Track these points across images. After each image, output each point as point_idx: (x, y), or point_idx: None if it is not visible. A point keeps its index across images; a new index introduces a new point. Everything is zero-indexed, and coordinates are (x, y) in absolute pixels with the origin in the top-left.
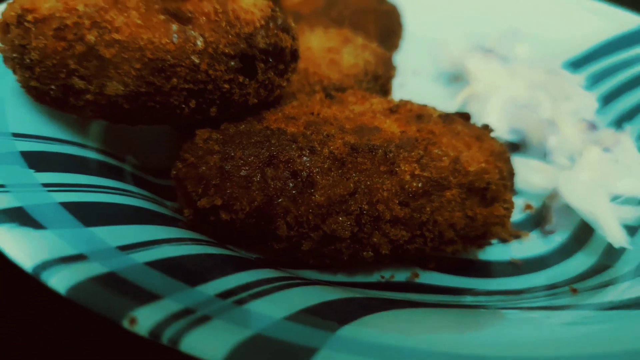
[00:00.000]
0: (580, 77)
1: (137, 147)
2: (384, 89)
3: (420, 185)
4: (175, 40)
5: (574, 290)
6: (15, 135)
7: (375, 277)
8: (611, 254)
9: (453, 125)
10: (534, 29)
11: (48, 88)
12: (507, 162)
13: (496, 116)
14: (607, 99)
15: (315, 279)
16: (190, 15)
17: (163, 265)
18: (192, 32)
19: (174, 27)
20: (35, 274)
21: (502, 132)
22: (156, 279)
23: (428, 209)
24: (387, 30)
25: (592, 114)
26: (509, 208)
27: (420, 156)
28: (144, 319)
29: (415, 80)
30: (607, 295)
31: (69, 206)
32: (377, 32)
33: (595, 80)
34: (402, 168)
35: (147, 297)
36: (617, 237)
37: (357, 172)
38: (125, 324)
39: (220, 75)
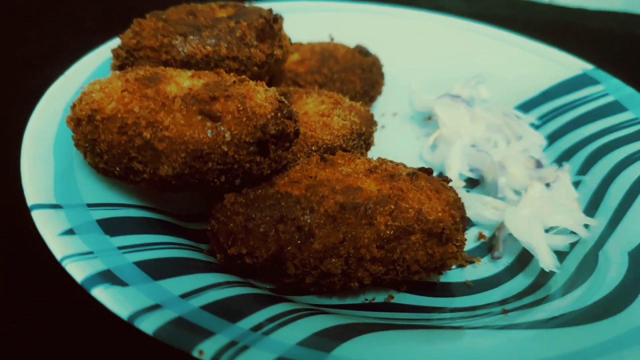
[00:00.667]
0: (531, 117)
1: (172, 201)
2: (367, 142)
3: (392, 232)
4: (209, 134)
5: (505, 312)
6: (89, 205)
7: (360, 299)
8: (545, 275)
9: (418, 181)
10: (495, 73)
11: (114, 169)
12: (460, 208)
13: (459, 157)
14: (552, 138)
15: (316, 303)
16: (219, 114)
17: (212, 308)
18: (222, 127)
19: (208, 124)
20: (130, 321)
21: (463, 170)
22: (209, 319)
23: (398, 250)
24: (371, 82)
25: (540, 151)
26: (460, 245)
27: (392, 210)
28: (207, 350)
29: (395, 121)
30: (538, 312)
31: (140, 265)
32: (362, 85)
33: (544, 120)
34: (378, 220)
35: (206, 333)
36: (547, 262)
37: (345, 225)
38: (196, 354)
39: (243, 158)
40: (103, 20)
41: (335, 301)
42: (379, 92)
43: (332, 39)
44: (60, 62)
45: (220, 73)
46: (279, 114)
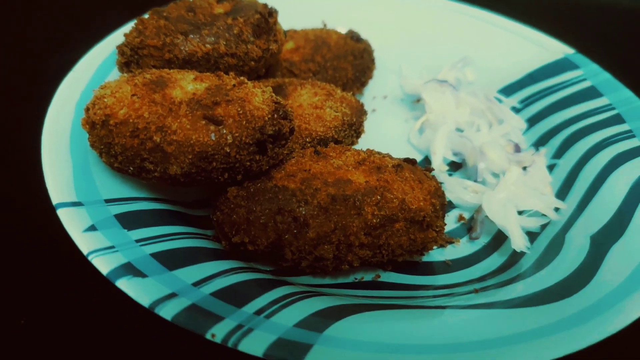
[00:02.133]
0: (514, 100)
1: (179, 191)
2: (358, 131)
3: (378, 221)
4: (213, 137)
5: (476, 291)
6: (107, 201)
7: (350, 279)
8: (516, 254)
9: (402, 172)
10: (481, 56)
11: (127, 168)
12: (441, 197)
13: (443, 143)
14: (532, 121)
15: (311, 283)
16: (221, 118)
17: (221, 294)
18: (224, 130)
19: (212, 128)
20: (151, 309)
21: (447, 154)
22: (219, 305)
23: (384, 236)
24: (362, 67)
25: (520, 135)
26: (440, 230)
27: (378, 200)
28: (218, 334)
29: (385, 104)
30: (504, 292)
31: (156, 256)
32: (353, 72)
33: (526, 104)
34: (366, 210)
35: (217, 318)
36: (519, 243)
37: (336, 215)
38: (209, 336)
39: (243, 157)
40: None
41: (328, 281)
42: (370, 77)
43: (325, 25)
44: (69, 47)
45: (221, 76)
46: (275, 115)
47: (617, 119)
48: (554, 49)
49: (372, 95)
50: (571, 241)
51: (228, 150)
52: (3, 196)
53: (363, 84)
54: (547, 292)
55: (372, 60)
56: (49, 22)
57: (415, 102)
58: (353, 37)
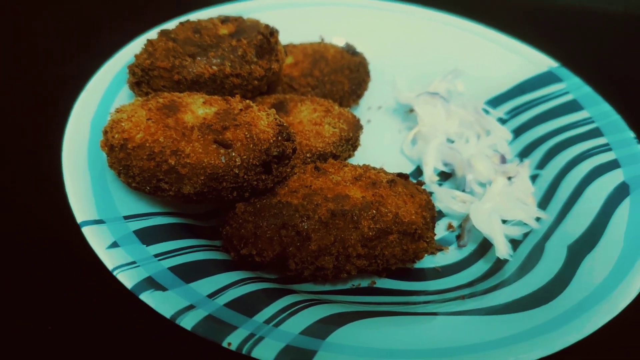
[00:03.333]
0: (500, 112)
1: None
2: (354, 145)
3: (373, 233)
4: (223, 160)
5: (463, 297)
6: (125, 217)
7: (349, 285)
8: (501, 261)
9: (396, 187)
10: (471, 68)
11: (144, 188)
12: (431, 209)
13: (434, 155)
14: (518, 132)
15: (313, 290)
16: (230, 142)
17: (233, 304)
18: (233, 153)
19: (221, 151)
20: (172, 320)
21: (438, 165)
22: (232, 315)
23: (379, 247)
24: (358, 81)
25: (506, 145)
26: (430, 241)
27: (374, 215)
28: (234, 342)
29: (380, 115)
30: (488, 300)
31: (173, 270)
32: (350, 85)
33: (512, 115)
34: (363, 224)
35: (231, 328)
36: (502, 251)
37: (335, 229)
38: (225, 345)
39: (251, 177)
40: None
41: (328, 287)
42: (366, 89)
43: (322, 39)
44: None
45: (228, 100)
46: (279, 137)
47: (596, 133)
48: (539, 62)
49: (368, 106)
50: (550, 250)
51: (237, 172)
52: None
53: (359, 96)
54: (526, 299)
55: (367, 73)
56: (50, 32)
57: (409, 112)
58: (349, 50)
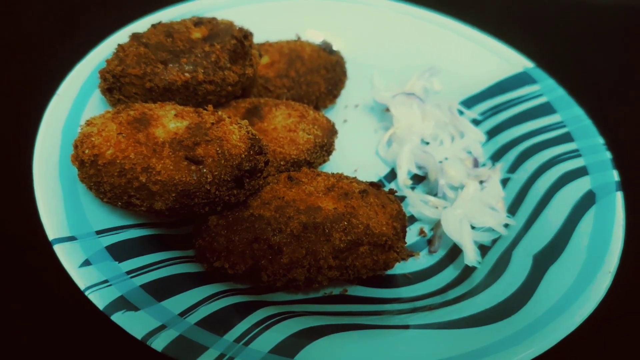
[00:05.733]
0: (474, 112)
1: None
2: (329, 151)
3: (345, 245)
4: (194, 177)
5: (430, 309)
6: (97, 232)
7: (321, 294)
8: (470, 268)
9: (367, 198)
10: (447, 66)
11: (116, 203)
12: (402, 219)
13: (408, 158)
14: (491, 134)
15: (285, 300)
16: (202, 158)
17: (204, 323)
18: (204, 170)
19: (193, 167)
20: (143, 341)
21: (412, 168)
22: (202, 334)
23: (350, 258)
24: (334, 81)
25: (479, 148)
26: (400, 251)
27: (345, 226)
28: None
29: (356, 114)
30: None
31: (145, 287)
32: (326, 85)
33: (486, 116)
34: (334, 236)
35: (202, 349)
36: (471, 258)
37: (307, 242)
38: None
39: (223, 193)
40: None
41: (300, 296)
42: (342, 88)
43: (298, 37)
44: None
45: (200, 113)
46: (252, 152)
47: (567, 137)
48: (514, 62)
49: (345, 104)
50: (516, 259)
51: (208, 188)
52: None
53: (335, 96)
54: (491, 311)
55: (344, 72)
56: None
57: (385, 110)
58: (326, 48)
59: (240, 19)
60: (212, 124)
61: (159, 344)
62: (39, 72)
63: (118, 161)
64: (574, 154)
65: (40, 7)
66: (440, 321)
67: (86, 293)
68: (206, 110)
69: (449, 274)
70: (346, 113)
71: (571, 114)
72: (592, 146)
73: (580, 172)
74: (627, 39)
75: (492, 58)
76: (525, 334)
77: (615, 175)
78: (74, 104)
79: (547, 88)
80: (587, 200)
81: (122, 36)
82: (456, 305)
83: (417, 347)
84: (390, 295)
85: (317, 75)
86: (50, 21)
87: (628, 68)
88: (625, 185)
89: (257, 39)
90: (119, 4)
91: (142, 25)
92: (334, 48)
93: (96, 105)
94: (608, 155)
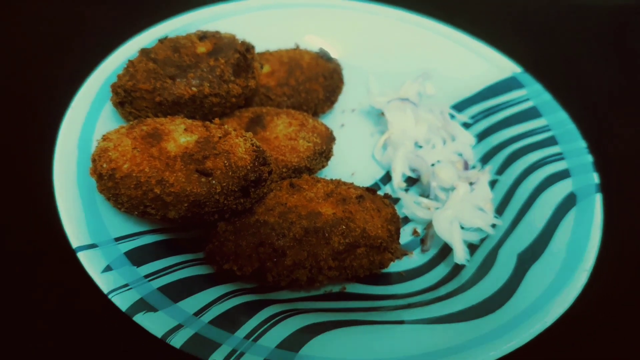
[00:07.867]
0: (465, 116)
1: None
2: (328, 157)
3: (343, 247)
4: (205, 188)
5: (420, 305)
6: (116, 239)
7: (321, 291)
8: (459, 266)
9: (364, 203)
10: (440, 71)
11: (132, 212)
12: (396, 222)
13: (402, 162)
14: (481, 137)
15: (288, 298)
16: (211, 171)
17: (217, 321)
18: (214, 181)
19: (203, 180)
20: (163, 339)
21: (406, 171)
22: (215, 332)
23: (348, 260)
24: (332, 87)
25: (469, 151)
26: (395, 252)
27: (343, 230)
28: (218, 359)
29: (353, 118)
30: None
31: (162, 289)
32: (324, 93)
33: (476, 120)
34: (333, 239)
35: (215, 345)
36: (460, 257)
37: (308, 245)
38: None
39: (230, 202)
40: None
41: (302, 294)
42: (339, 94)
43: (297, 46)
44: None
45: (208, 127)
46: (256, 163)
47: (551, 141)
48: (503, 66)
49: (342, 109)
50: (502, 258)
51: (217, 198)
52: None
53: (333, 102)
54: (479, 306)
55: (341, 79)
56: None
57: (381, 114)
58: (324, 56)
59: (240, 28)
60: (220, 137)
61: (177, 341)
62: (47, 81)
63: (134, 174)
64: (558, 157)
65: (42, 19)
66: (432, 316)
67: (110, 296)
68: (213, 123)
69: (440, 271)
70: (343, 117)
71: (556, 118)
72: (574, 150)
73: (563, 174)
74: (618, 39)
75: (482, 63)
76: (508, 327)
77: (595, 178)
78: (87, 117)
79: (534, 93)
80: (569, 202)
81: (129, 49)
82: (447, 301)
83: (411, 340)
84: (385, 292)
85: (316, 83)
86: (53, 31)
87: (619, 69)
88: (605, 187)
89: (257, 45)
90: (123, 13)
91: (146, 38)
92: (331, 55)
93: (109, 118)
94: (589, 158)
